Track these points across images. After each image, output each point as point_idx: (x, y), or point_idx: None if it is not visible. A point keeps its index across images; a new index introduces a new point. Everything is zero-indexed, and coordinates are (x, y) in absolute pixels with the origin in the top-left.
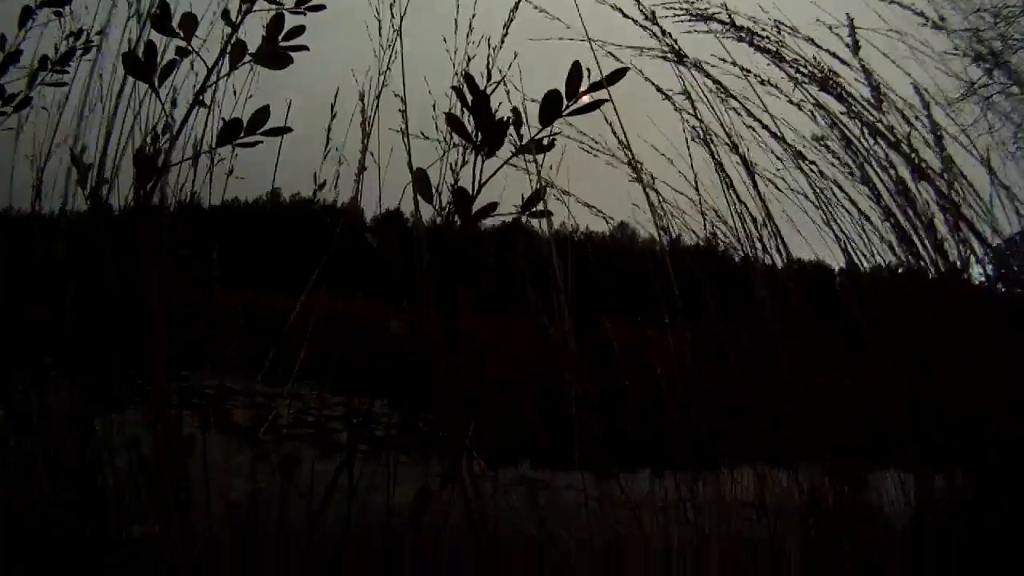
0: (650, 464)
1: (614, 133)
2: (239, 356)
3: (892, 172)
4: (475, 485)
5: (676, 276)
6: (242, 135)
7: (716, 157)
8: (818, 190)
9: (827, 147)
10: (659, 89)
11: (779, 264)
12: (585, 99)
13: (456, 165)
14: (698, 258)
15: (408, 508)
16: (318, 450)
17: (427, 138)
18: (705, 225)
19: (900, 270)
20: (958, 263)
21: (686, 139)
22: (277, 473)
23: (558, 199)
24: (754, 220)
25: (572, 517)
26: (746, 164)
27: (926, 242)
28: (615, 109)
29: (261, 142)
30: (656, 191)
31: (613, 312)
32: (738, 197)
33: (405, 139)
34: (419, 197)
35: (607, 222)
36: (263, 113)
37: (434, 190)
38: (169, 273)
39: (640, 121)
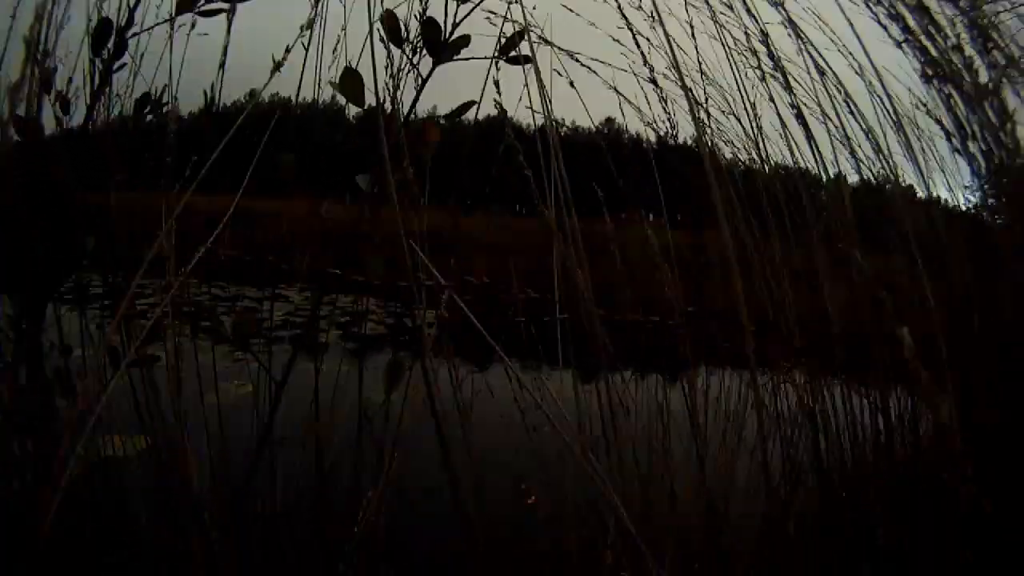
0: (634, 365)
1: None
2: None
3: None
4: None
5: (665, 172)
6: (202, 3)
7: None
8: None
9: None
10: None
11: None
12: None
13: None
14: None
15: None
16: (305, 351)
17: None
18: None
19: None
20: (989, 85)
21: None
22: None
23: (539, 39)
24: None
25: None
26: None
27: (954, 62)
28: None
29: (224, 10)
30: (649, 41)
31: (598, 210)
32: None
33: None
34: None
35: (596, 75)
36: None
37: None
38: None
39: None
